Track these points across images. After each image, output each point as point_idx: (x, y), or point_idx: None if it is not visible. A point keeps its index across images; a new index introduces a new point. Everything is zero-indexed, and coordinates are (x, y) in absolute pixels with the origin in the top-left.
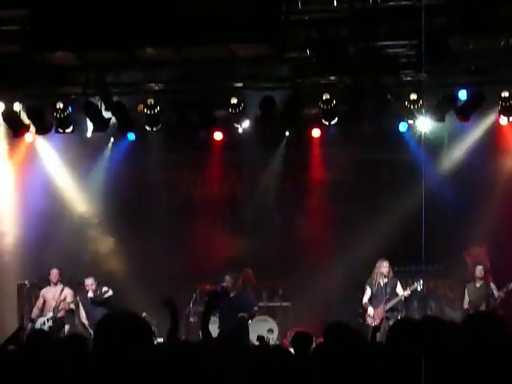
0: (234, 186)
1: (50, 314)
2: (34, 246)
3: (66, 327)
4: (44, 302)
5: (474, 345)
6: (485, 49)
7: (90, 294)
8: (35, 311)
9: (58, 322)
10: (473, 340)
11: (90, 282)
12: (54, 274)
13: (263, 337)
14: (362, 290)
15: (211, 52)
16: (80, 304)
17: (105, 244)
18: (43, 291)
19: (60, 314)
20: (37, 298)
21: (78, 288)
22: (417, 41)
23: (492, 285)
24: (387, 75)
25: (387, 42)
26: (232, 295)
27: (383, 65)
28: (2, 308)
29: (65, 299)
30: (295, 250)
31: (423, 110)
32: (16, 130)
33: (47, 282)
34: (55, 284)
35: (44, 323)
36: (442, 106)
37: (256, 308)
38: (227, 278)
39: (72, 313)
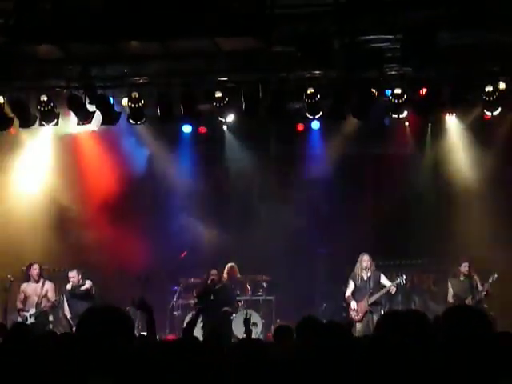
0: (219, 180)
1: (33, 310)
2: (17, 239)
3: (50, 318)
4: (25, 297)
5: (455, 337)
6: (470, 43)
7: (69, 287)
8: (18, 304)
9: (41, 318)
10: (453, 332)
11: (72, 275)
12: (35, 269)
13: (248, 318)
14: (345, 284)
15: (196, 45)
16: (64, 297)
17: (87, 237)
18: (23, 286)
19: (43, 310)
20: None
21: (63, 282)
22: (402, 35)
23: (476, 278)
24: (372, 69)
25: (372, 37)
26: (216, 288)
27: (368, 59)
28: None
29: (46, 295)
30: (279, 245)
31: (407, 105)
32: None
33: (28, 277)
34: (36, 280)
35: (27, 319)
36: (426, 101)
37: (240, 302)
38: (214, 271)
39: (55, 307)
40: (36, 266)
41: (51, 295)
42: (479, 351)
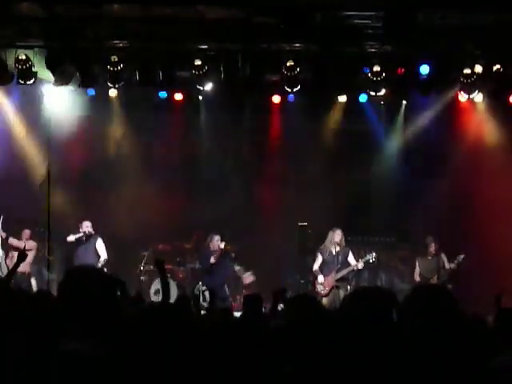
0: (193, 147)
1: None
2: None
3: (33, 281)
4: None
5: (422, 315)
6: (450, 24)
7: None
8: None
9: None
10: (419, 310)
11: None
12: (26, 234)
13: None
14: (313, 257)
15: (178, 11)
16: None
17: (59, 199)
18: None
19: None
20: None
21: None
22: (383, 12)
23: (443, 257)
24: (352, 45)
25: (354, 13)
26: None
27: (349, 35)
28: None
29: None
30: (250, 215)
31: (385, 83)
32: None
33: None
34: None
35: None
36: (403, 80)
37: None
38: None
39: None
40: (27, 232)
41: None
42: (444, 330)
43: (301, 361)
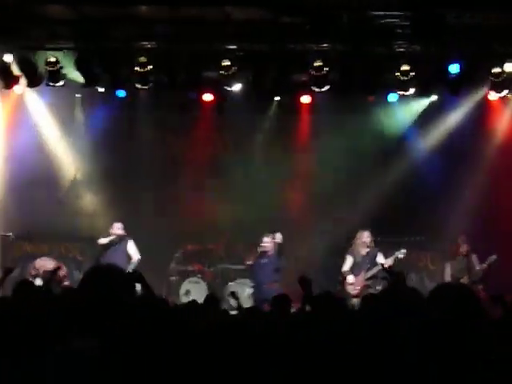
0: (221, 148)
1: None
2: (20, 199)
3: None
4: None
5: (442, 313)
6: (479, 23)
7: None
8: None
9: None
10: (440, 309)
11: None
12: None
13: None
14: (342, 259)
15: (206, 13)
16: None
17: (90, 201)
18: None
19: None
20: (20, 249)
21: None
22: (411, 12)
23: (474, 258)
24: (380, 45)
25: (382, 12)
26: (270, 254)
27: (377, 34)
28: None
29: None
30: (278, 216)
31: (414, 82)
32: (6, 81)
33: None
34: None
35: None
36: (433, 79)
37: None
38: (266, 239)
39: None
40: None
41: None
42: (464, 329)
43: (318, 359)
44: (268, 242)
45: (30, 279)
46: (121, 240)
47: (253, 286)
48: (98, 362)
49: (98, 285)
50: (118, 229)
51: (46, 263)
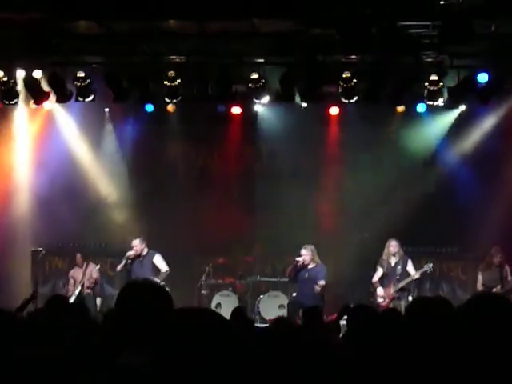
0: (251, 160)
1: (78, 290)
2: (49, 213)
3: (98, 300)
4: (74, 282)
5: (479, 323)
6: (507, 32)
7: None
8: (69, 289)
9: (81, 296)
10: (477, 318)
11: (135, 243)
12: (78, 258)
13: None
14: (373, 269)
15: (234, 26)
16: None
17: (120, 214)
18: (71, 272)
19: (87, 291)
20: (51, 264)
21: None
22: (439, 22)
23: (507, 267)
24: (408, 55)
25: (410, 23)
26: (310, 267)
27: (405, 45)
28: (16, 274)
29: (90, 276)
30: (308, 227)
31: (443, 92)
32: (36, 97)
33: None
34: (81, 266)
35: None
36: (462, 89)
37: None
38: (304, 251)
39: (97, 283)
40: (79, 256)
41: (94, 274)
42: (502, 336)
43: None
44: (307, 255)
45: (84, 292)
46: (146, 254)
47: (293, 298)
48: (153, 378)
49: (137, 299)
50: (135, 246)
51: (91, 272)
